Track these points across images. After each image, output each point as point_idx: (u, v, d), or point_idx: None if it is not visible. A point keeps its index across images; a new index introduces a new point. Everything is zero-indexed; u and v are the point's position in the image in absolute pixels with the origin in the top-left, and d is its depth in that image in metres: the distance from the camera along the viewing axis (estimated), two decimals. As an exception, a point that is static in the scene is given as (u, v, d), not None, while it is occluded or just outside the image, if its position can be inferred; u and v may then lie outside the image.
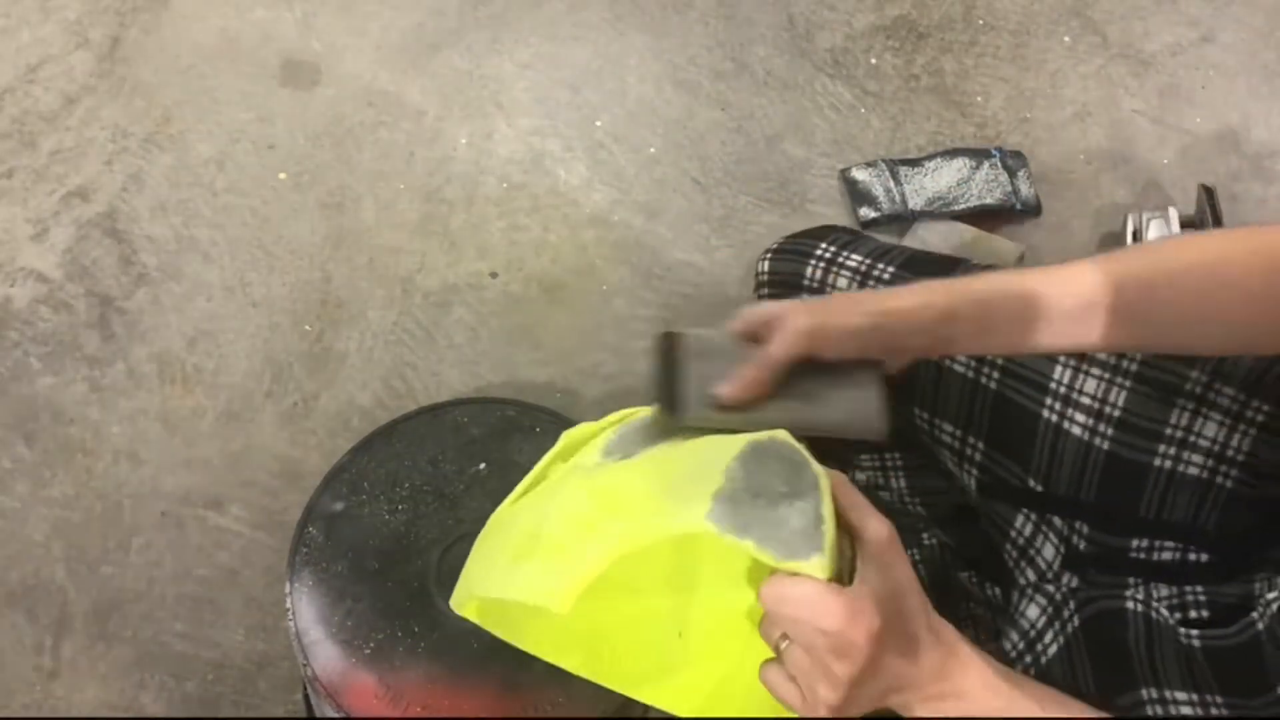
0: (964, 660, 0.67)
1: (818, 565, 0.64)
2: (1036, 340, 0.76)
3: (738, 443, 0.69)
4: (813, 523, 0.65)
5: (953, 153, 1.73)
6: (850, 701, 0.64)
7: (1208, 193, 1.62)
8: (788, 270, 1.02)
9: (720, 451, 0.68)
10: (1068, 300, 0.75)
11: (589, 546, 0.67)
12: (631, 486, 0.70)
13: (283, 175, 1.64)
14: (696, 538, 0.66)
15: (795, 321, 0.75)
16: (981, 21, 1.89)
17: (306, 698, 1.12)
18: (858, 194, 1.68)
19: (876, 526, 0.66)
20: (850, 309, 0.76)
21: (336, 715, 0.89)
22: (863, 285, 0.98)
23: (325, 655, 0.91)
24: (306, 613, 0.93)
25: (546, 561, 0.69)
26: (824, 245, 1.02)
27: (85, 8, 1.76)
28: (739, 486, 0.66)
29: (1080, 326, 0.76)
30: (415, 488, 1.04)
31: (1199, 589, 0.82)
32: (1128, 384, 0.86)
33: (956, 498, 1.04)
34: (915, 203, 1.67)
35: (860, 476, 1.10)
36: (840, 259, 1.00)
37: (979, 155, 1.72)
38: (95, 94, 1.68)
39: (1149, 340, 0.77)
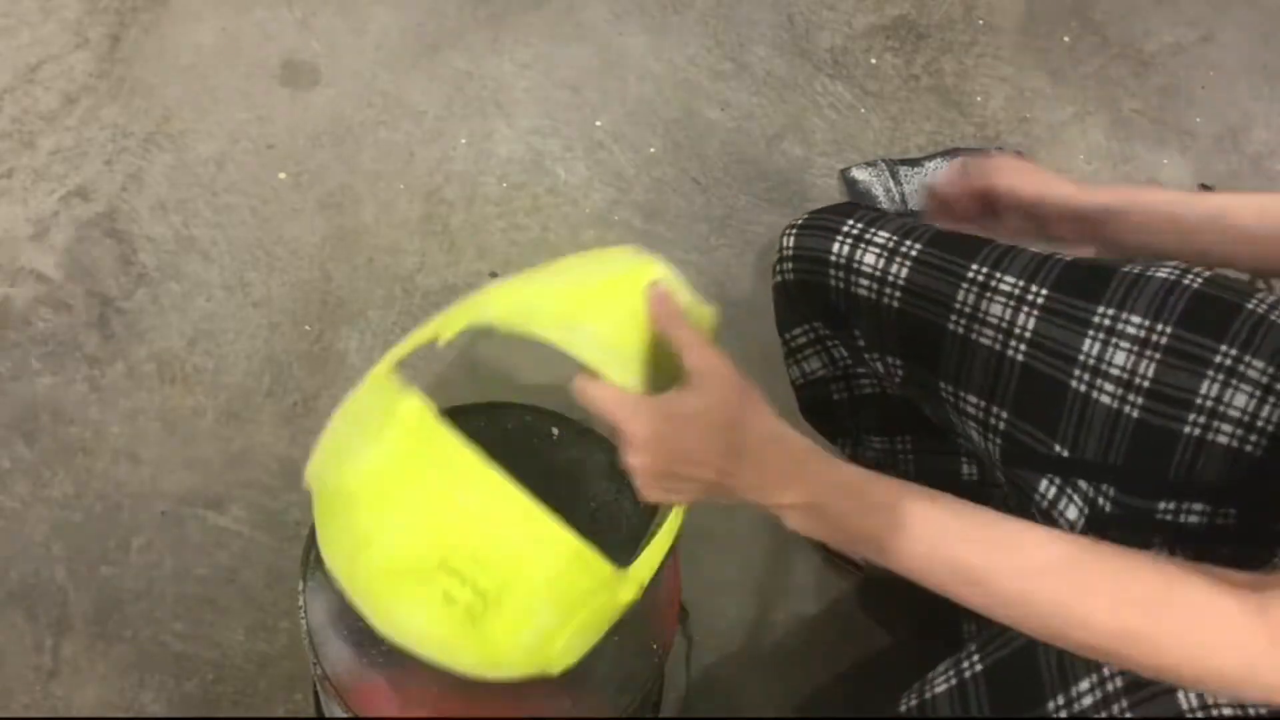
0: (814, 468, 0.71)
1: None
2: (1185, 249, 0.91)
3: None
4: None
5: (953, 153, 1.73)
6: (655, 485, 0.73)
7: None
8: (814, 246, 1.03)
9: None
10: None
11: None
12: None
13: (283, 175, 1.64)
14: None
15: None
16: (981, 21, 1.89)
17: (316, 695, 1.12)
18: (857, 194, 1.68)
19: (695, 358, 0.74)
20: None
21: (345, 716, 0.89)
22: (889, 262, 0.99)
23: (336, 655, 0.91)
24: (319, 612, 0.93)
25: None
26: (850, 221, 1.02)
27: (85, 8, 1.75)
28: None
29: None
30: (431, 491, 1.02)
31: (1224, 551, 0.82)
32: (1157, 356, 0.87)
33: (962, 478, 1.05)
34: (915, 202, 1.67)
35: (869, 456, 1.14)
36: (868, 235, 1.01)
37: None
38: (95, 94, 1.68)
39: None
